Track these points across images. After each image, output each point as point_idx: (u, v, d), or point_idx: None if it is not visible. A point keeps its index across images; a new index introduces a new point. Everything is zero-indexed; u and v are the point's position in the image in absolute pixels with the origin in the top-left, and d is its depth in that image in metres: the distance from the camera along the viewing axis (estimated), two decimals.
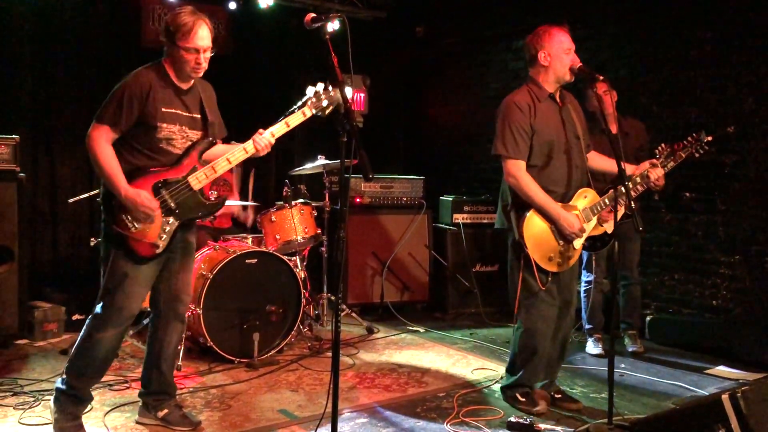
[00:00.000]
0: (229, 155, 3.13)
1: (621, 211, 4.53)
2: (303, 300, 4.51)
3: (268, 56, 6.69)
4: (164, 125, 3.03)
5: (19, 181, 4.51)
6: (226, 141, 3.37)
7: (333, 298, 5.17)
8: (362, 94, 7.02)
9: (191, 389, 3.81)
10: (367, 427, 3.36)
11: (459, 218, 5.98)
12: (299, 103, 3.20)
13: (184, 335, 4.22)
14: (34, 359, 4.29)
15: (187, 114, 3.12)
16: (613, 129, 4.59)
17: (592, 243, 4.36)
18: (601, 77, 3.32)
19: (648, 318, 5.09)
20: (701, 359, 4.57)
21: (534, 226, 3.46)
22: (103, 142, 2.94)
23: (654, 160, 3.81)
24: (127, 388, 3.76)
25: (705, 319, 4.96)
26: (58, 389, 3.12)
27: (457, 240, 5.90)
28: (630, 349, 4.74)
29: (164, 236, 3.04)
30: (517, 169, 3.45)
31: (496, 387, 3.84)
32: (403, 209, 5.99)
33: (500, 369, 4.17)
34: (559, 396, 3.70)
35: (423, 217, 5.98)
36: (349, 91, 2.99)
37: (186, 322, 3.40)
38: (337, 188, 5.49)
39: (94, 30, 5.71)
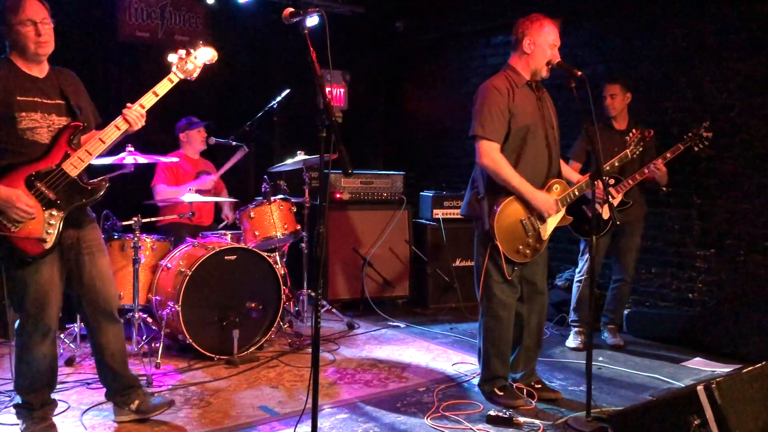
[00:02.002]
0: (102, 135, 3.02)
1: (617, 200, 4.62)
2: (283, 296, 4.50)
3: (247, 51, 6.64)
4: (23, 114, 2.90)
5: None
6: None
7: (313, 294, 5.16)
8: (342, 90, 7.00)
9: (170, 387, 3.79)
10: (348, 422, 3.36)
11: (439, 213, 6.00)
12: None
13: (158, 328, 4.20)
14: (9, 359, 4.22)
15: (48, 101, 2.99)
16: (622, 125, 4.72)
17: (587, 230, 4.42)
18: (579, 73, 3.35)
19: (626, 311, 5.14)
20: (678, 351, 4.63)
21: (505, 218, 3.50)
22: None
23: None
24: None
25: (681, 311, 5.02)
26: (16, 404, 3.10)
27: (437, 235, 5.92)
28: (609, 342, 4.79)
29: (51, 230, 2.91)
30: (492, 151, 3.48)
31: (476, 381, 3.86)
32: (383, 205, 5.99)
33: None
34: (540, 386, 3.73)
35: (403, 212, 5.99)
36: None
37: (119, 319, 3.26)
38: (316, 184, 5.47)
39: (68, 24, 5.62)
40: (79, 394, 3.62)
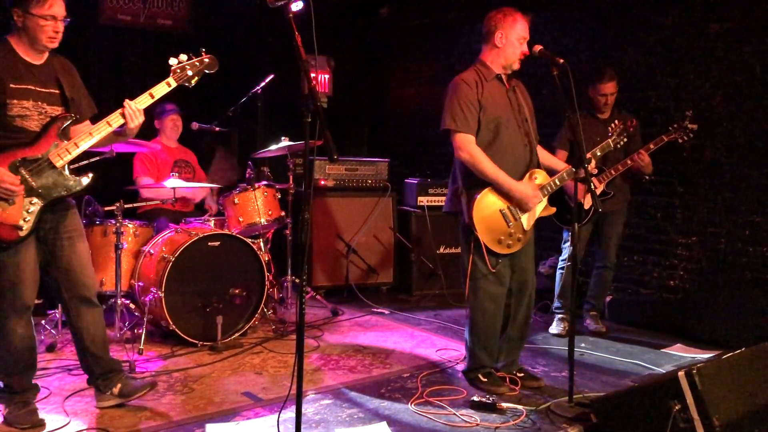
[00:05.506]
0: (92, 129, 3.00)
1: (599, 190, 4.63)
2: (267, 283, 4.48)
3: (231, 35, 6.57)
4: (14, 101, 2.90)
5: None
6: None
7: (297, 280, 5.15)
8: (326, 76, 6.96)
9: (153, 373, 3.77)
10: (332, 408, 3.37)
11: (423, 201, 6.01)
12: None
13: (141, 315, 4.18)
14: None
15: (42, 89, 2.98)
16: (606, 114, 4.72)
17: (569, 219, 4.45)
18: (561, 60, 3.36)
19: (608, 298, 5.19)
20: (659, 338, 4.68)
21: (484, 209, 3.50)
22: None
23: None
24: None
25: (662, 298, 5.08)
26: None
27: (422, 222, 5.93)
28: (591, 329, 4.83)
29: (28, 218, 2.90)
30: (467, 143, 3.49)
31: (460, 367, 3.88)
32: (367, 191, 5.98)
33: (463, 349, 4.20)
34: (522, 375, 3.75)
35: (388, 199, 5.98)
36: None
37: (98, 304, 3.25)
38: (301, 170, 5.45)
39: None
40: (60, 380, 3.59)
